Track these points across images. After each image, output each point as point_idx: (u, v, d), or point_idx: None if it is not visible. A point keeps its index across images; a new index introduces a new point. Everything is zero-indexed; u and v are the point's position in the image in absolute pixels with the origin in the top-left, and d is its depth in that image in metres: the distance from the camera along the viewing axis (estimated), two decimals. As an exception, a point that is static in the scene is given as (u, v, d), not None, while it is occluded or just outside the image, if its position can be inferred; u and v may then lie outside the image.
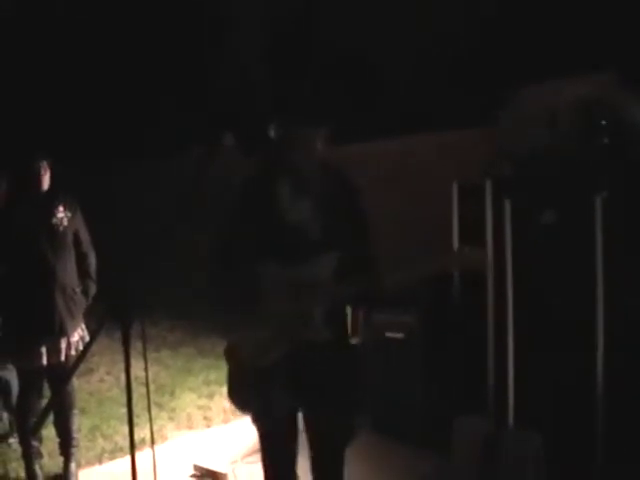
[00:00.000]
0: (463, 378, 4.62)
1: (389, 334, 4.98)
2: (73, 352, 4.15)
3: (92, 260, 4.40)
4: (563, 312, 4.11)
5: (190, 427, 5.39)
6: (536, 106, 4.42)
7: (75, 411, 4.40)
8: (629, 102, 4.15)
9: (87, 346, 3.54)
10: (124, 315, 2.11)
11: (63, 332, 4.12)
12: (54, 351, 4.10)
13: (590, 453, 3.95)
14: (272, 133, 2.68)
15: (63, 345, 4.12)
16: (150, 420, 2.45)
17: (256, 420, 2.88)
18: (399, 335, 4.92)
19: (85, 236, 4.37)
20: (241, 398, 2.85)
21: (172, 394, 6.06)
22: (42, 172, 4.12)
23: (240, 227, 2.78)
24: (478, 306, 4.56)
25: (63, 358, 4.12)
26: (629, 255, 3.90)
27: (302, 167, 2.69)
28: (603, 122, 4.10)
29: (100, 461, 4.72)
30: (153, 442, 2.45)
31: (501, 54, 6.66)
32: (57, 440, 4.40)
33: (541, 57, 5.86)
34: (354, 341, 5.52)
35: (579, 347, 4.04)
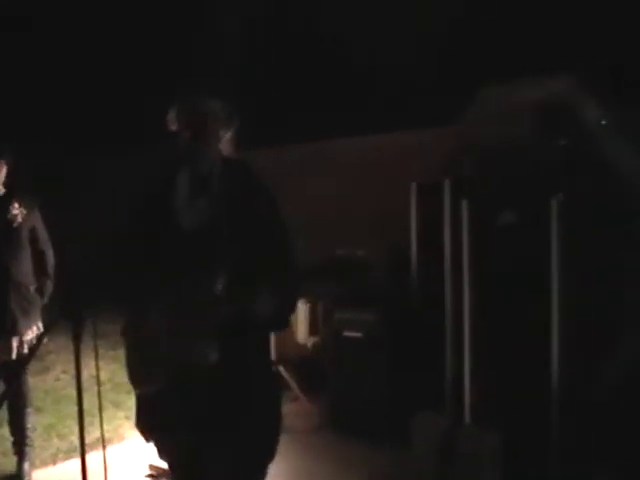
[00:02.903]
0: (421, 376, 4.65)
1: (347, 333, 4.99)
2: (26, 351, 4.07)
3: (50, 258, 4.33)
4: (519, 311, 4.16)
5: (148, 426, 5.33)
6: (496, 107, 4.46)
7: (30, 409, 4.33)
8: (588, 104, 4.20)
9: (39, 341, 3.49)
10: (75, 313, 2.08)
11: (15, 331, 4.05)
12: (5, 349, 4.03)
13: (545, 449, 4.02)
14: (172, 115, 2.34)
15: (15, 344, 4.05)
16: (101, 419, 2.44)
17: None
18: (357, 334, 4.94)
19: (43, 234, 4.30)
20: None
21: (129, 393, 5.96)
22: None
23: (136, 230, 2.50)
24: (436, 305, 4.60)
25: (15, 357, 4.05)
26: (584, 256, 3.97)
27: (202, 160, 2.38)
28: (561, 123, 4.16)
29: (55, 461, 4.66)
30: (104, 441, 2.42)
31: (463, 55, 6.72)
32: (11, 439, 4.34)
33: (502, 58, 5.92)
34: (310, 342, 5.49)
35: (535, 346, 4.10)
